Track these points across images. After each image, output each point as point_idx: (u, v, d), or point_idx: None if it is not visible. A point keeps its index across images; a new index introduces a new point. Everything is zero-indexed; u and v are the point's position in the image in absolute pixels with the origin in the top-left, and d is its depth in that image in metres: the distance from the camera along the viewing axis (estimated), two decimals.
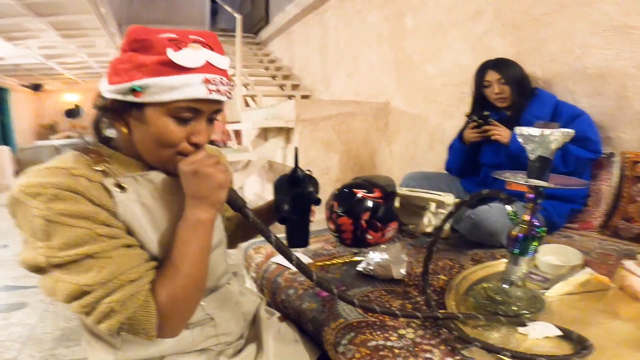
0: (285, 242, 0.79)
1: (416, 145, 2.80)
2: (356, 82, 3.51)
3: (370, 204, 1.32)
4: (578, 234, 1.52)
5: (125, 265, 0.56)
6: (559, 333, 0.75)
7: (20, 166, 6.26)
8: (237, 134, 4.23)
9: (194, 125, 0.63)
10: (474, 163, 1.75)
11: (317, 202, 0.73)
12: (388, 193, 1.39)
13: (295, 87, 4.77)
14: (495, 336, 0.78)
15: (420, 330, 0.82)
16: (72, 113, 10.65)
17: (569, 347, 0.73)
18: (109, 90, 0.61)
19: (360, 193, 1.33)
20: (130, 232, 0.62)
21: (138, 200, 0.63)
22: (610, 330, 0.79)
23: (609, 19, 1.63)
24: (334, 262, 1.28)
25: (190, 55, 0.58)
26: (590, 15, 1.69)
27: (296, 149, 0.75)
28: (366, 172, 2.96)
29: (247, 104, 4.53)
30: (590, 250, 1.30)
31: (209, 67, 0.59)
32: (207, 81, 0.59)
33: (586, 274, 0.97)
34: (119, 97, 0.60)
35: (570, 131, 0.74)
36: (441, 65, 2.53)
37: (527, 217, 0.82)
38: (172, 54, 0.57)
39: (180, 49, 0.58)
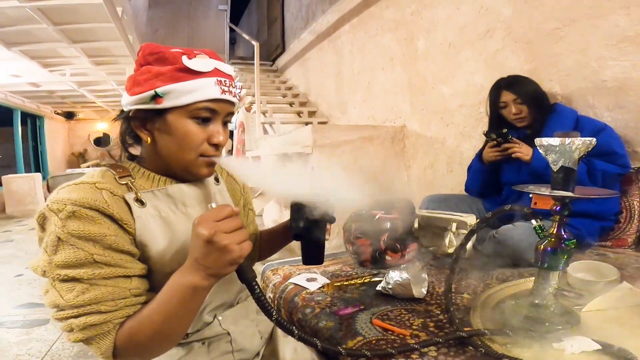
0: (301, 259, 0.79)
1: (434, 169, 2.78)
2: (371, 107, 3.55)
3: (388, 224, 1.30)
4: (612, 252, 1.44)
5: (106, 296, 0.58)
6: (598, 347, 0.70)
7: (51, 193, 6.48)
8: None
9: (212, 127, 0.67)
10: (494, 183, 1.71)
11: (332, 220, 0.74)
12: (407, 214, 1.37)
13: (312, 113, 4.87)
14: (527, 353, 0.73)
15: (444, 348, 0.78)
16: (100, 141, 11.14)
17: None
18: (131, 102, 0.66)
19: (378, 214, 1.31)
20: (144, 248, 0.63)
21: (157, 215, 0.66)
22: None
23: (622, 30, 1.61)
24: (352, 282, 1.26)
25: (202, 62, 0.65)
26: (603, 28, 1.68)
27: (312, 169, 0.76)
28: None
29: (265, 132, 4.63)
30: (626, 265, 1.23)
31: (218, 72, 0.66)
32: (219, 83, 0.65)
33: (623, 288, 0.91)
34: (142, 106, 0.65)
35: (592, 139, 0.72)
36: (455, 86, 2.54)
37: (554, 230, 0.78)
38: (187, 61, 0.64)
39: (191, 58, 0.65)
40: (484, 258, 1.40)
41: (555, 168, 0.76)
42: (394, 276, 1.09)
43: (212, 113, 0.67)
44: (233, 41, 8.28)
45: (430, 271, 1.35)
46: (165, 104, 0.64)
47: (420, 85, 2.87)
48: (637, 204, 1.50)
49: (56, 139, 10.49)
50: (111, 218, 0.60)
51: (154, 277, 0.65)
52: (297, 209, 0.74)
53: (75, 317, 0.56)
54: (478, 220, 1.42)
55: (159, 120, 0.66)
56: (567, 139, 0.73)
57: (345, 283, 1.26)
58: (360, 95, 3.74)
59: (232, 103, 0.70)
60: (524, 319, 0.81)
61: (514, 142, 1.55)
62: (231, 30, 7.49)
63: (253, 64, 4.37)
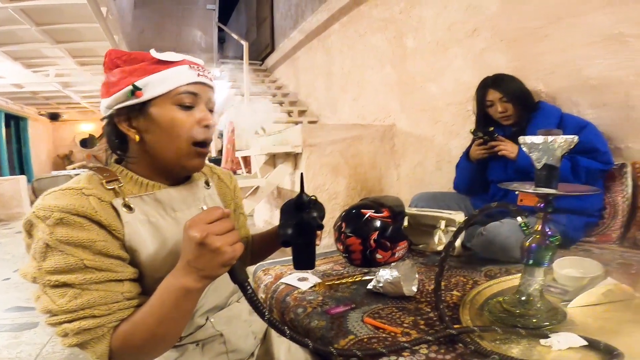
0: (292, 264, 0.79)
1: (423, 167, 2.80)
2: (361, 106, 3.57)
3: (378, 223, 1.31)
4: (597, 247, 1.47)
5: (99, 301, 0.57)
6: (584, 343, 0.72)
7: (36, 196, 6.38)
8: (247, 161, 4.28)
9: (197, 112, 0.69)
10: (482, 180, 1.73)
11: (320, 227, 0.74)
12: (396, 213, 1.38)
13: (302, 113, 4.86)
14: (515, 350, 0.74)
15: (435, 345, 0.79)
16: (87, 142, 10.96)
17: (597, 358, 0.69)
18: (110, 104, 0.66)
19: (368, 213, 1.32)
20: (134, 253, 0.63)
21: (146, 220, 0.65)
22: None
23: (604, 28, 1.64)
24: (343, 281, 1.27)
25: (171, 54, 0.68)
26: (586, 26, 1.71)
27: (302, 175, 0.76)
28: (374, 195, 2.94)
29: (256, 132, 4.61)
30: (611, 261, 1.26)
31: (188, 61, 0.69)
32: (192, 68, 0.68)
33: (608, 284, 0.93)
34: (122, 104, 0.65)
35: (573, 137, 0.74)
36: (444, 84, 2.56)
37: (538, 227, 0.80)
38: (157, 54, 0.67)
39: (160, 53, 0.67)
40: (473, 255, 1.42)
41: (538, 166, 0.77)
42: (385, 275, 1.10)
43: (194, 97, 0.68)
44: (222, 41, 8.21)
45: (420, 269, 1.37)
46: (145, 96, 0.64)
47: (409, 84, 2.89)
48: (621, 199, 1.53)
49: (40, 141, 10.29)
50: (99, 224, 0.59)
51: (145, 282, 0.64)
52: (285, 214, 0.74)
53: (69, 321, 0.56)
54: (466, 217, 1.44)
55: (143, 115, 0.66)
56: (549, 137, 0.74)
57: (336, 282, 1.27)
58: (350, 94, 3.75)
59: (210, 87, 0.71)
60: (512, 316, 0.83)
61: (500, 140, 1.57)
62: (220, 29, 7.43)
63: (242, 63, 4.35)
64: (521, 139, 0.80)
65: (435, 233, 1.45)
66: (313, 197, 0.77)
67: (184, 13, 7.65)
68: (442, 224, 1.45)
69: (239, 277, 0.60)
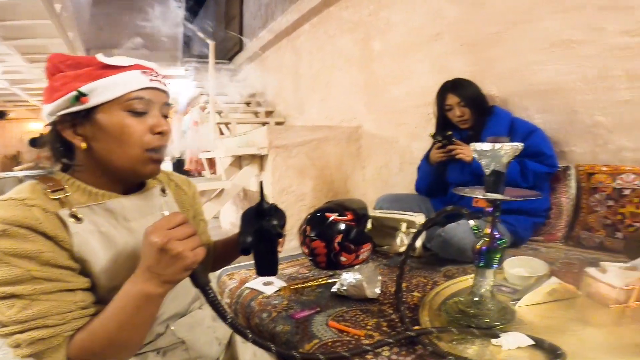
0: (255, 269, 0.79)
1: (388, 168, 2.86)
2: (329, 107, 3.59)
3: (342, 226, 1.33)
4: (544, 246, 1.57)
5: (52, 311, 0.56)
6: (531, 343, 0.76)
7: None
8: (212, 162, 4.19)
9: (150, 118, 0.66)
10: (441, 182, 1.79)
11: (279, 235, 0.74)
12: (360, 215, 1.40)
13: (269, 113, 4.82)
14: (470, 350, 0.78)
15: (396, 347, 0.82)
16: (37, 142, 10.26)
17: (543, 357, 0.74)
18: (53, 110, 0.63)
19: (332, 216, 1.34)
20: (85, 263, 0.61)
21: (96, 230, 0.63)
22: (582, 337, 0.80)
23: (554, 34, 1.73)
24: (308, 284, 1.28)
25: (121, 58, 0.65)
26: (538, 32, 1.79)
27: (261, 183, 0.76)
28: (340, 197, 2.97)
29: (221, 132, 4.53)
30: (555, 260, 1.34)
31: (140, 66, 0.66)
32: (145, 73, 0.65)
33: (552, 283, 1.00)
34: (66, 110, 0.62)
35: (519, 145, 0.78)
36: (407, 87, 2.62)
37: (488, 231, 0.85)
38: (105, 59, 0.63)
39: (108, 57, 0.64)
40: (433, 256, 1.47)
41: (487, 172, 0.82)
42: (348, 278, 1.13)
43: (146, 103, 0.65)
44: (188, 39, 7.95)
45: (383, 270, 1.40)
46: (91, 102, 0.62)
47: (375, 86, 2.94)
48: (565, 200, 1.64)
49: None
50: (45, 235, 0.57)
51: (99, 291, 0.62)
52: (245, 222, 0.74)
53: (21, 332, 0.55)
54: (425, 219, 1.49)
55: (90, 121, 0.63)
56: (496, 144, 0.79)
57: (301, 285, 1.28)
58: (318, 96, 3.76)
59: (164, 92, 0.69)
60: (467, 316, 0.87)
61: (457, 144, 1.64)
62: (186, 28, 7.20)
63: (208, 62, 4.26)
64: (472, 145, 0.84)
65: (397, 235, 1.50)
66: (274, 205, 0.77)
67: (148, 10, 7.34)
68: (404, 226, 1.49)
69: (200, 282, 0.60)
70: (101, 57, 0.64)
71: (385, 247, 1.62)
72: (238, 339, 0.86)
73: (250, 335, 0.64)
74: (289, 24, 4.05)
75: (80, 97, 0.61)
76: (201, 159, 4.13)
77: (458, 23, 2.21)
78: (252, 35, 5.28)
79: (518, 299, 0.97)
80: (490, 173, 0.81)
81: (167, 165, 6.33)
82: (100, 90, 0.62)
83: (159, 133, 0.67)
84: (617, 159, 1.59)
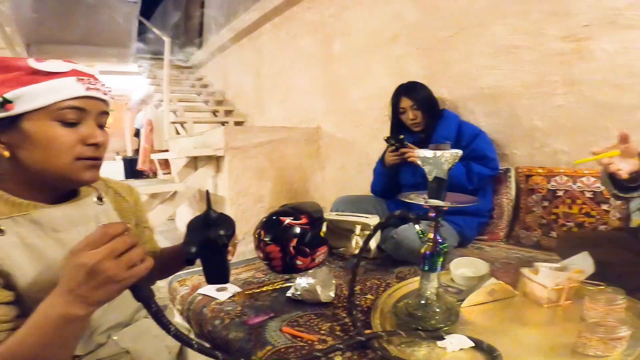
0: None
1: (346, 169, 2.90)
2: (289, 107, 3.57)
3: (297, 230, 1.33)
4: (488, 245, 1.67)
5: None
6: (472, 344, 0.79)
7: None
8: (167, 163, 4.04)
9: (84, 128, 0.62)
10: (396, 184, 1.84)
11: (225, 246, 0.71)
12: (315, 219, 1.41)
13: (228, 112, 4.72)
14: (418, 354, 0.81)
15: (348, 352, 0.83)
16: None
17: (482, 358, 0.77)
18: None
19: (287, 220, 1.33)
20: (9, 277, 0.58)
21: (20, 243, 0.60)
22: (518, 337, 0.85)
23: (500, 39, 1.81)
24: (263, 289, 1.27)
25: (55, 64, 0.60)
26: (487, 37, 1.87)
27: (207, 191, 0.74)
28: (300, 198, 2.97)
29: (177, 132, 4.37)
30: (496, 259, 1.42)
31: (77, 72, 0.62)
32: (81, 80, 0.61)
33: (492, 283, 1.04)
34: None
35: (458, 152, 0.82)
36: (366, 88, 2.66)
37: (431, 235, 0.88)
38: (36, 64, 0.59)
39: (41, 62, 0.60)
40: (388, 257, 1.51)
41: (430, 178, 0.85)
42: (301, 282, 1.13)
43: (80, 113, 0.62)
44: (144, 34, 7.56)
45: (339, 273, 1.42)
46: (17, 109, 0.57)
47: (335, 87, 2.96)
48: (506, 201, 1.75)
49: None
50: None
51: (25, 305, 0.58)
52: (191, 231, 0.72)
53: None
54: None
55: (15, 129, 0.59)
56: (437, 151, 0.82)
57: (256, 291, 1.27)
58: (279, 96, 3.73)
59: (103, 101, 0.65)
60: (415, 319, 0.90)
61: (409, 147, 1.68)
62: (140, 22, 6.85)
63: (167, 59, 4.10)
64: (417, 152, 0.87)
65: (353, 237, 1.52)
66: (221, 214, 0.75)
67: (98, 3, 6.88)
68: (358, 228, 1.52)
69: (142, 295, 0.56)
70: (32, 62, 0.59)
71: (341, 250, 1.64)
72: None
73: (196, 345, 0.62)
74: (251, 23, 3.98)
75: (4, 103, 0.57)
76: (154, 159, 3.97)
77: (415, 26, 2.26)
78: (213, 33, 5.14)
79: (463, 299, 1.01)
80: (432, 180, 0.84)
81: (118, 165, 6.01)
82: (27, 98, 0.58)
83: (94, 144, 0.63)
84: (552, 161, 1.71)
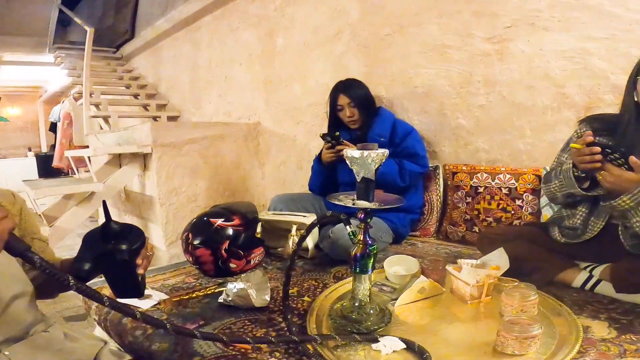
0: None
1: (286, 166, 2.86)
2: (228, 102, 3.43)
3: (229, 232, 1.26)
4: (420, 241, 1.73)
5: None
6: (404, 346, 0.80)
7: None
8: (87, 160, 3.66)
9: None
10: (333, 182, 1.84)
11: (126, 261, 0.65)
12: (249, 219, 1.35)
13: (161, 107, 4.42)
14: (353, 357, 0.80)
15: (284, 358, 0.80)
16: None
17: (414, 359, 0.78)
18: None
19: (217, 222, 1.26)
20: None
21: None
22: (446, 336, 0.87)
23: (434, 39, 1.87)
24: (193, 295, 1.19)
25: None
26: (422, 36, 1.92)
27: (104, 202, 0.67)
28: (238, 196, 2.88)
29: (101, 127, 3.99)
30: (426, 256, 1.45)
31: None
32: None
33: (422, 281, 1.07)
34: None
35: (385, 152, 0.82)
36: (306, 85, 2.63)
37: (360, 237, 0.87)
38: None
39: None
40: (326, 256, 1.49)
41: (358, 179, 0.83)
42: (232, 287, 1.07)
43: None
44: (66, 24, 6.76)
45: (277, 275, 1.38)
46: None
47: (276, 83, 2.89)
48: (435, 197, 1.83)
49: None
50: None
51: None
52: (85, 245, 0.64)
53: None
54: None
55: None
56: (364, 151, 0.80)
57: (185, 297, 1.19)
58: (216, 90, 3.57)
59: None
60: (349, 321, 0.89)
61: (345, 144, 1.68)
62: (61, 11, 6.12)
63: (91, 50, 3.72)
64: (345, 151, 0.85)
65: (289, 237, 1.49)
66: (125, 225, 0.68)
67: None
68: (294, 228, 1.49)
69: (18, 249, 0.53)
70: None
71: (279, 250, 1.60)
72: (106, 358, 0.75)
73: (107, 301, 0.57)
74: (190, 14, 3.76)
75: None
76: (76, 156, 3.57)
77: (357, 23, 2.26)
78: (147, 24, 4.77)
79: (396, 298, 1.02)
80: (360, 180, 0.82)
81: (30, 162, 5.35)
82: None
83: None
84: (475, 159, 1.82)
